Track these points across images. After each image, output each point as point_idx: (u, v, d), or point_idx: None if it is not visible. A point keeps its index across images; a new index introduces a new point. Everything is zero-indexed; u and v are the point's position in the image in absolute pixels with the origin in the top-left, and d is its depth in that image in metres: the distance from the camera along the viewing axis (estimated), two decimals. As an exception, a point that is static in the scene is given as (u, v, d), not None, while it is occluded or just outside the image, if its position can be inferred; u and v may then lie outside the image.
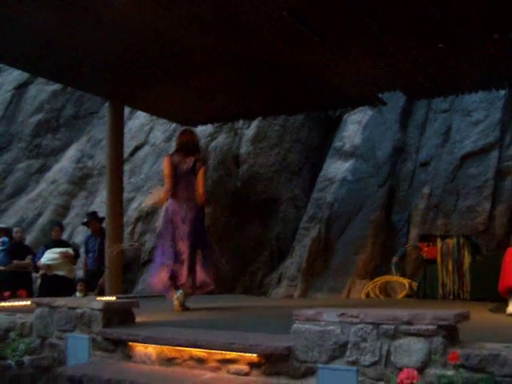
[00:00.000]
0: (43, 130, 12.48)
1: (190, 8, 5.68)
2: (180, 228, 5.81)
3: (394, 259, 8.65)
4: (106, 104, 9.15)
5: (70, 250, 8.78)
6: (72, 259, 8.80)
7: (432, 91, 8.21)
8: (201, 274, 5.83)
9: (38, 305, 4.73)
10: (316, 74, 7.50)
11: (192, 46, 6.69)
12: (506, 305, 5.01)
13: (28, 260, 8.85)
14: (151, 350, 3.89)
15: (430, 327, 2.88)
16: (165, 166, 5.92)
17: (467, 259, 7.56)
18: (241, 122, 10.70)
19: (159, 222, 6.03)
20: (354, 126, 10.43)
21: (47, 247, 8.77)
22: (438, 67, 7.19)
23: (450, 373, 2.76)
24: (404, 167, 9.65)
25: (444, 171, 9.09)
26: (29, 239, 10.49)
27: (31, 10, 5.88)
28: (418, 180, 9.37)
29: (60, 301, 4.65)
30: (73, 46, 6.78)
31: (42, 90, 12.79)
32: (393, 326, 2.98)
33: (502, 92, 9.03)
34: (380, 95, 8.57)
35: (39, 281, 8.83)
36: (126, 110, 9.85)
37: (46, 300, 4.80)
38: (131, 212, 10.44)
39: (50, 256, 8.53)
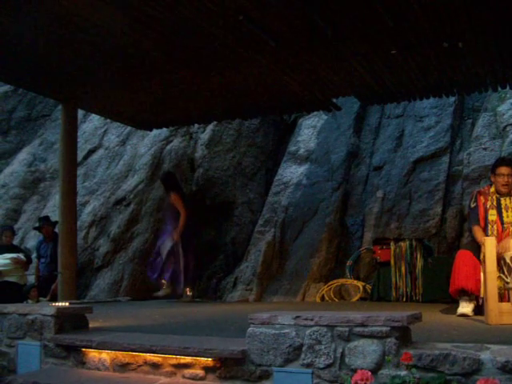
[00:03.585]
0: (-7, 133, 12.21)
1: (144, 10, 5.64)
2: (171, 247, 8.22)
3: (349, 262, 8.74)
4: (59, 107, 9.01)
5: (21, 256, 8.58)
6: (24, 265, 8.61)
7: (385, 97, 8.34)
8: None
9: (-13, 312, 4.62)
10: (271, 79, 7.54)
11: (146, 49, 6.64)
12: (457, 306, 5.13)
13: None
14: (105, 355, 3.85)
15: (384, 329, 2.92)
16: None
17: (419, 262, 7.69)
18: (196, 125, 10.68)
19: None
20: (309, 131, 10.52)
21: (-2, 252, 8.56)
22: (391, 73, 7.32)
23: (403, 373, 2.81)
24: (358, 171, 9.78)
25: (397, 175, 9.24)
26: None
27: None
28: (371, 184, 9.50)
29: (10, 307, 4.55)
30: (25, 47, 6.65)
31: (-7, 91, 12.51)
32: (347, 329, 3.01)
33: (452, 98, 9.25)
34: (334, 100, 8.67)
35: (-12, 287, 8.60)
36: (80, 112, 9.71)
37: (-4, 306, 4.69)
38: (85, 216, 10.28)
39: (1, 262, 8.32)
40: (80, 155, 10.30)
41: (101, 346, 3.83)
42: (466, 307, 5.02)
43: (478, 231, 5.20)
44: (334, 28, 5.97)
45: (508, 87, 7.84)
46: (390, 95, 8.24)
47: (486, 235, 5.03)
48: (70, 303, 5.54)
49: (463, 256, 5.07)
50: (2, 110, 12.36)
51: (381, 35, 6.16)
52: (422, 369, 2.79)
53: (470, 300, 5.04)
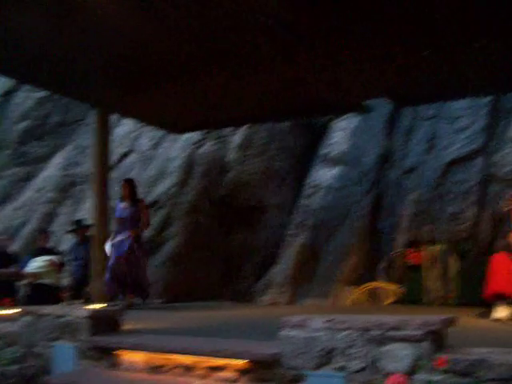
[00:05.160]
0: (29, 138, 12.38)
1: (175, 15, 5.68)
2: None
3: (381, 265, 8.68)
4: (93, 111, 9.12)
5: (56, 259, 8.71)
6: (58, 267, 8.73)
7: (418, 98, 8.26)
8: None
9: (24, 313, 4.69)
10: (303, 82, 7.52)
11: (178, 53, 6.68)
12: (492, 310, 5.05)
13: (14, 269, 8.75)
14: (138, 357, 3.87)
15: (418, 332, 2.89)
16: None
17: (453, 265, 7.60)
18: (227, 129, 10.70)
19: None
20: (340, 133, 10.47)
21: (33, 255, 8.69)
22: (424, 74, 7.24)
23: (438, 378, 2.78)
24: (390, 174, 9.70)
25: (430, 178, 9.14)
26: (14, 247, 10.38)
27: (18, 18, 5.85)
28: (403, 187, 9.41)
29: (46, 309, 4.62)
30: (59, 54, 6.74)
31: (28, 97, 12.70)
32: (380, 332, 2.99)
33: (487, 99, 9.11)
34: (366, 102, 8.61)
35: (23, 289, 8.73)
36: (113, 116, 9.81)
37: (31, 308, 4.77)
38: (118, 220, 10.37)
39: (36, 264, 8.45)
40: (113, 159, 10.40)
41: (134, 348, 3.87)
42: (501, 312, 4.94)
43: None
44: (366, 30, 5.94)
45: (544, 87, 7.71)
46: (422, 96, 8.17)
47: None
48: (104, 306, 5.61)
49: (499, 260, 5.00)
50: (38, 115, 12.56)
51: (413, 36, 6.10)
52: (457, 374, 2.75)
53: (507, 304, 4.96)
